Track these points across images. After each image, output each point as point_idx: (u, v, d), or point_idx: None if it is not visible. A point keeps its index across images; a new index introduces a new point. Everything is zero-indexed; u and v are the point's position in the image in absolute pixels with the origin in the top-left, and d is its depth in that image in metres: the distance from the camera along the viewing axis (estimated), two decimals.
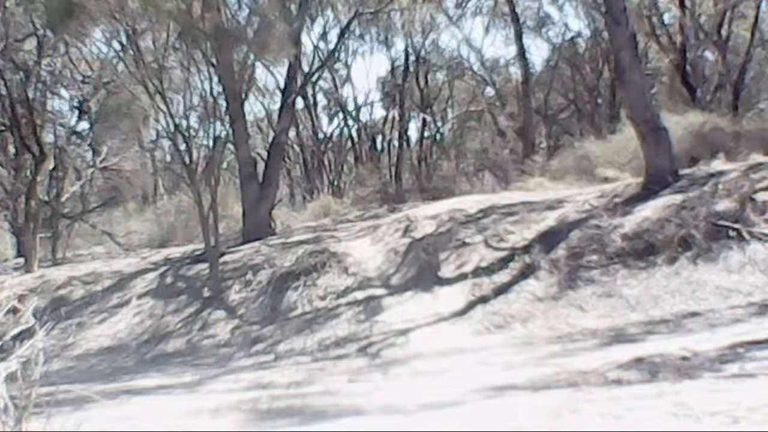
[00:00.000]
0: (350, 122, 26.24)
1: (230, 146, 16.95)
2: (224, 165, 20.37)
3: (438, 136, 27.33)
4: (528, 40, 27.73)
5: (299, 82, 17.74)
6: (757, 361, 5.33)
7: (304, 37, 19.36)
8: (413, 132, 28.09)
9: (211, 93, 13.86)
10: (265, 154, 18.04)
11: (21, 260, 16.33)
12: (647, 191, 10.84)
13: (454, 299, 9.93)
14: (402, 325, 9.44)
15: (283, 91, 17.06)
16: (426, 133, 26.50)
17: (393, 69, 25.91)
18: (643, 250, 9.49)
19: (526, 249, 10.41)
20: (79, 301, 12.91)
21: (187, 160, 13.71)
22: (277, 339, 10.28)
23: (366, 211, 17.76)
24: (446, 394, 5.62)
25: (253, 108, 26.52)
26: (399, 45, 25.44)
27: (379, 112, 30.84)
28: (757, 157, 11.80)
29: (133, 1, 12.22)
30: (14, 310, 3.63)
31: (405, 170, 25.44)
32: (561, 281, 9.55)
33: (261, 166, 16.88)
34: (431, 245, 11.45)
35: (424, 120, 25.91)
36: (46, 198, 18.70)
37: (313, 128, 25.85)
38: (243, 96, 15.77)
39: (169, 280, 12.95)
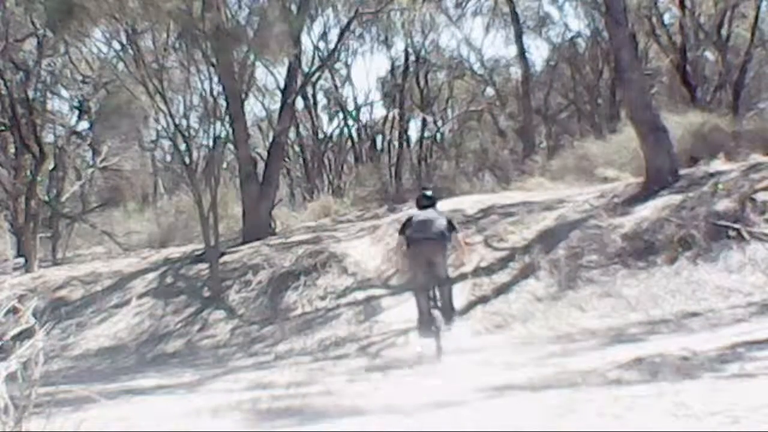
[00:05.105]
0: (350, 122, 26.24)
1: (230, 146, 16.95)
2: (224, 165, 20.35)
3: (438, 136, 27.32)
4: (528, 40, 27.76)
5: (299, 82, 17.73)
6: (757, 361, 5.32)
7: (304, 37, 19.42)
8: (413, 132, 28.12)
9: (211, 93, 13.86)
10: (265, 154, 18.05)
11: (21, 260, 16.32)
12: (647, 191, 10.84)
13: (454, 299, 9.91)
14: (402, 325, 9.43)
15: (283, 91, 17.06)
16: (426, 133, 26.49)
17: (393, 69, 25.93)
18: (643, 250, 9.50)
19: (526, 249, 10.42)
20: (78, 301, 12.93)
21: (187, 160, 13.72)
22: (277, 339, 10.29)
23: (366, 211, 17.77)
24: (446, 394, 5.62)
25: (253, 108, 26.60)
26: (399, 45, 25.49)
27: (379, 112, 30.94)
28: (757, 157, 11.78)
29: (133, 1, 12.22)
30: (14, 310, 3.63)
31: (405, 170, 25.40)
32: (561, 281, 9.56)
33: (261, 166, 16.88)
34: None
35: (424, 120, 25.89)
36: (46, 198, 18.71)
37: (313, 128, 25.83)
38: (243, 96, 15.76)
39: (169, 280, 12.96)
